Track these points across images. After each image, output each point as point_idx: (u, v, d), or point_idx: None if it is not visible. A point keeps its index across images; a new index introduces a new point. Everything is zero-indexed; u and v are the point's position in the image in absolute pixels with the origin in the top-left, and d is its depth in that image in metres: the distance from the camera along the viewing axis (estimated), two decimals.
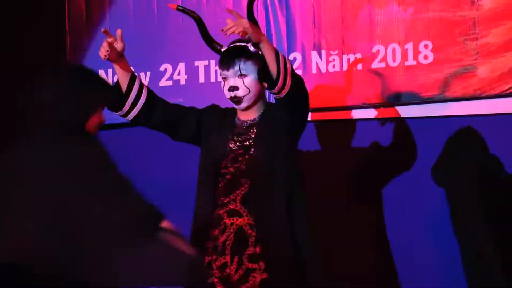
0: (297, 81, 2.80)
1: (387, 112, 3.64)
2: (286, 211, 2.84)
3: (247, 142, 2.93)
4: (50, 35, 4.58)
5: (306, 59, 3.83)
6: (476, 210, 3.46)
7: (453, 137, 3.52)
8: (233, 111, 3.02)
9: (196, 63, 4.01)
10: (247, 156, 2.90)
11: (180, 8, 3.00)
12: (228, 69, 2.90)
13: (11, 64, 4.77)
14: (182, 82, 4.07)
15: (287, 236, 2.83)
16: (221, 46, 2.97)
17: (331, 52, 3.76)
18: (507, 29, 3.37)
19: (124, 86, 2.93)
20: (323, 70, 3.75)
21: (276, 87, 2.73)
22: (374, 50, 3.64)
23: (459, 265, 3.44)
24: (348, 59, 3.67)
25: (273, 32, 3.89)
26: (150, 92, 2.98)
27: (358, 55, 3.65)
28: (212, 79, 4.00)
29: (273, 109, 2.94)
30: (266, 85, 2.82)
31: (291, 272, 2.84)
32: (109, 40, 2.81)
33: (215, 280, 2.90)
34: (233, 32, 2.78)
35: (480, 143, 3.46)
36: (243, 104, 2.91)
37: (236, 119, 2.99)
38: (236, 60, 2.90)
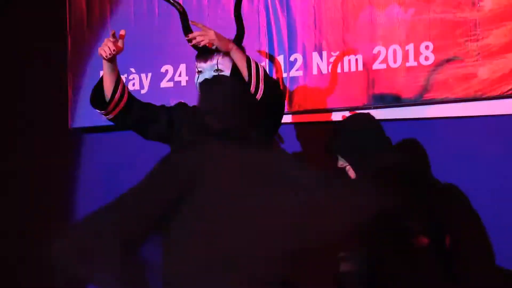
0: (272, 86, 2.83)
1: (388, 113, 3.62)
2: None
3: None
4: (51, 37, 4.60)
5: (307, 60, 3.83)
6: (477, 210, 3.45)
7: (454, 138, 3.50)
8: None
9: None
10: None
11: None
12: (205, 61, 2.94)
13: (11, 65, 4.80)
14: (183, 83, 4.09)
15: None
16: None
17: (332, 53, 3.76)
18: (508, 30, 3.37)
19: (111, 86, 2.96)
20: (324, 71, 3.75)
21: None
22: (375, 51, 3.64)
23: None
24: (349, 60, 3.68)
25: (274, 33, 3.90)
26: (130, 95, 3.02)
27: (359, 56, 3.66)
28: None
29: None
30: None
31: None
32: (112, 40, 2.83)
33: None
34: (198, 42, 2.88)
35: (481, 144, 3.44)
36: None
37: None
38: (214, 54, 2.93)
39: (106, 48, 2.83)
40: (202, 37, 2.86)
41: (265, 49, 3.91)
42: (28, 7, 4.74)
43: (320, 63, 3.79)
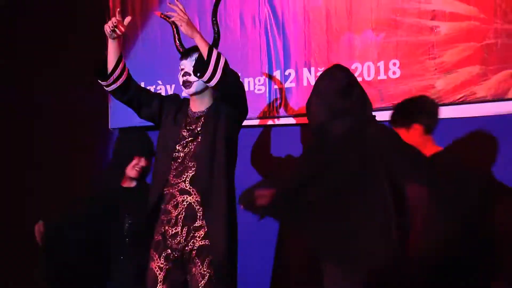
0: (230, 76, 2.98)
1: None
2: (226, 188, 3.10)
3: (196, 130, 3.14)
4: (93, 49, 4.66)
5: (299, 74, 4.06)
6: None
7: None
8: (188, 103, 3.24)
9: None
10: (195, 143, 3.13)
11: (163, 16, 3.28)
12: (186, 58, 3.16)
13: (60, 74, 5.02)
14: None
15: (226, 209, 3.08)
16: (184, 49, 3.23)
17: (319, 68, 3.96)
18: (459, 50, 3.65)
19: (113, 62, 3.15)
20: (313, 83, 3.88)
21: (205, 75, 2.94)
22: (353, 67, 3.86)
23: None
24: None
25: (272, 52, 4.14)
26: (129, 74, 3.23)
27: None
28: None
29: (218, 104, 3.17)
30: (198, 75, 3.01)
31: (227, 239, 3.08)
32: (115, 20, 3.07)
33: (169, 246, 3.08)
34: (175, 18, 2.99)
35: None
36: (192, 89, 3.13)
37: (189, 109, 3.23)
38: (194, 53, 3.12)
39: (110, 23, 3.06)
40: (178, 17, 2.96)
41: (265, 65, 4.14)
42: (71, 22, 4.95)
43: (309, 77, 4.04)
